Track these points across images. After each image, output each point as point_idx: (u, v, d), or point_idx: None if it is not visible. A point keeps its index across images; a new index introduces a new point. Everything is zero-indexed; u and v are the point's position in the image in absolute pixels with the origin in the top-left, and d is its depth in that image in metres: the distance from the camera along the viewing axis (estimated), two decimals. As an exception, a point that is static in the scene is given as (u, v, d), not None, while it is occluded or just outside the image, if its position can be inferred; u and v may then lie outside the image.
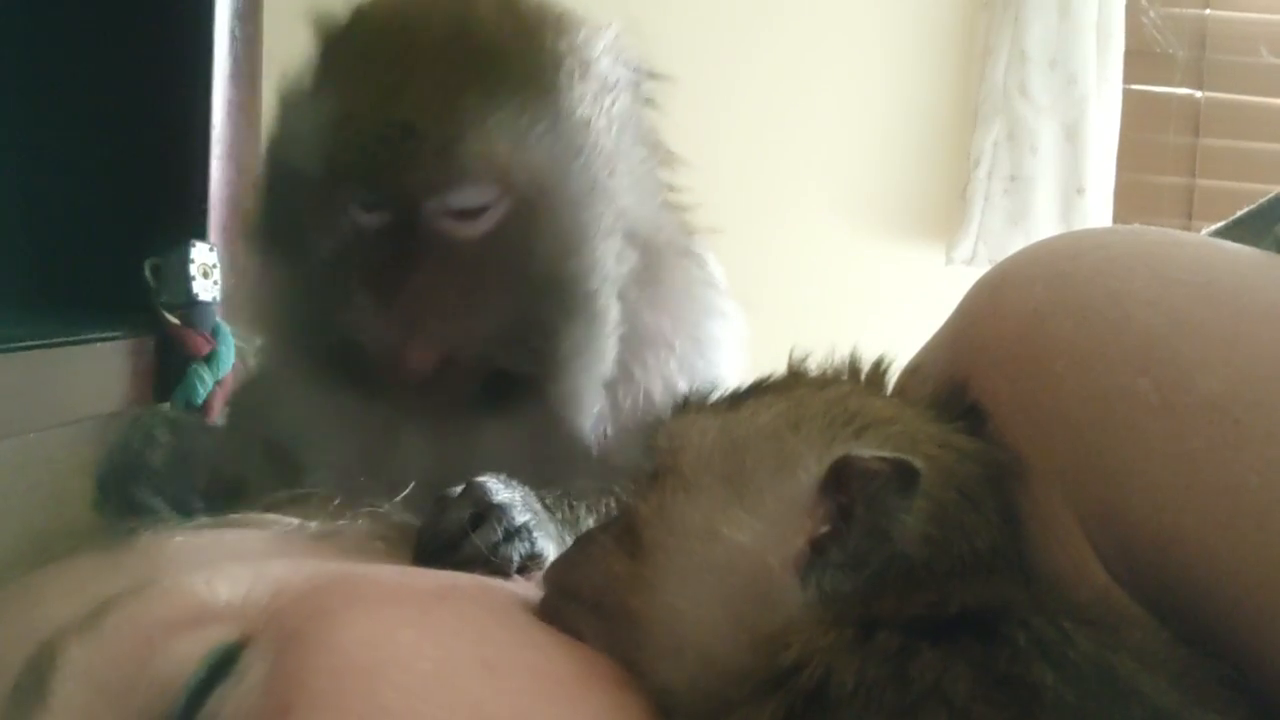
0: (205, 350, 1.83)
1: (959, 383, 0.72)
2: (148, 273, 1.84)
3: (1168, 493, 0.62)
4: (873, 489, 0.63)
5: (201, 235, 1.87)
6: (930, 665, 0.56)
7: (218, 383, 1.82)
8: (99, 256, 1.81)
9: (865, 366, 0.75)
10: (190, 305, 1.84)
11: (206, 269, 1.84)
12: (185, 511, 0.83)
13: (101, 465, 0.87)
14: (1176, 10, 2.84)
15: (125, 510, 0.84)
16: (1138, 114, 2.82)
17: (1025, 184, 2.76)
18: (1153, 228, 0.76)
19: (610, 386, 0.98)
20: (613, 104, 0.97)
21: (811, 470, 0.65)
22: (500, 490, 0.82)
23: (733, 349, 1.08)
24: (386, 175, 0.89)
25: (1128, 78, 2.77)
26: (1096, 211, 2.72)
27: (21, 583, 0.77)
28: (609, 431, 0.99)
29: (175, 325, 1.84)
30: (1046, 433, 0.67)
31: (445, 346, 0.91)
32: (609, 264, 0.95)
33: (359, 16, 0.96)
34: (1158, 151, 2.87)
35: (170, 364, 1.82)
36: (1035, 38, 2.73)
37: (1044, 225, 2.71)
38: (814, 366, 0.75)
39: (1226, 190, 2.80)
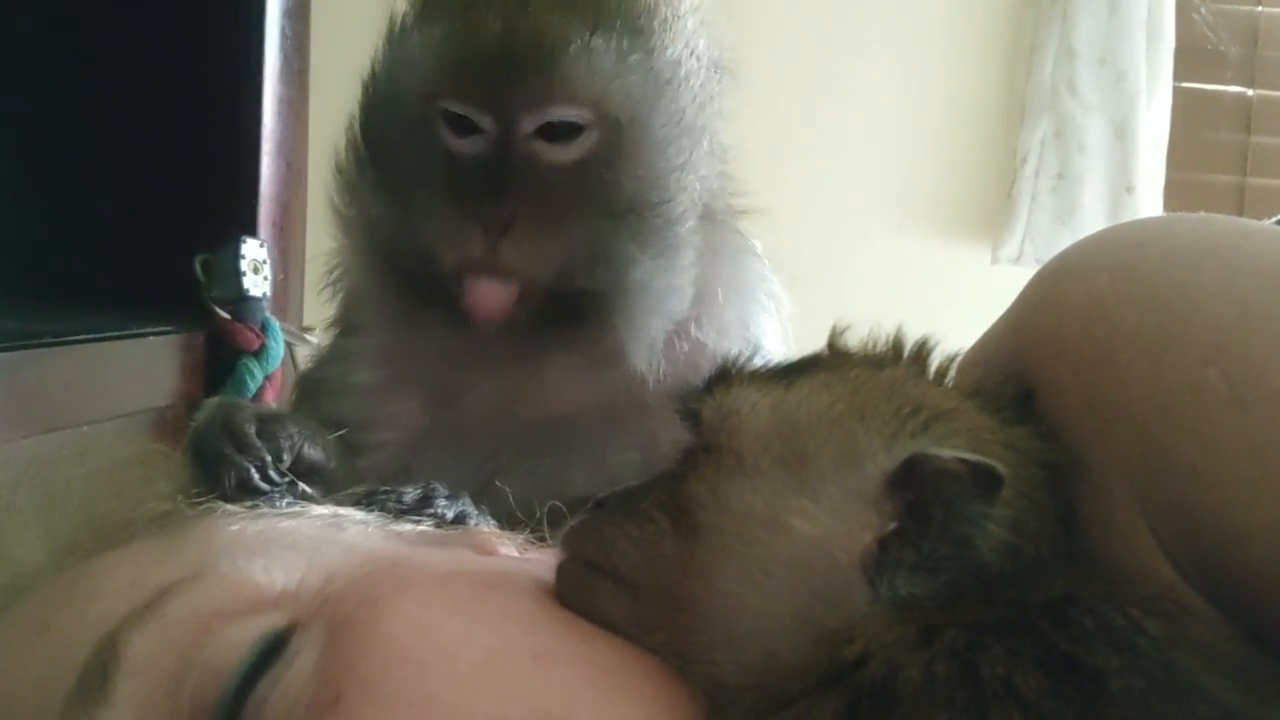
0: (255, 345, 1.84)
1: (1018, 373, 0.71)
2: (198, 268, 1.86)
3: (1237, 487, 0.61)
4: (951, 492, 0.61)
5: (252, 231, 1.89)
6: (1000, 660, 0.55)
7: (267, 377, 1.83)
8: (151, 252, 1.83)
9: (910, 347, 0.73)
10: (240, 300, 1.85)
11: (257, 264, 1.85)
12: (271, 482, 0.86)
13: (194, 434, 0.90)
14: (1228, 7, 2.81)
15: (216, 475, 0.86)
16: (1188, 111, 2.79)
17: (1073, 182, 2.74)
18: (1219, 216, 0.74)
19: (669, 330, 1.02)
20: (697, 57, 1.02)
21: (880, 463, 0.63)
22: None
23: (776, 321, 1.12)
24: (492, 86, 0.93)
25: (1178, 75, 2.74)
26: (1146, 210, 2.69)
27: (80, 570, 0.78)
28: (664, 373, 1.02)
29: (225, 320, 1.85)
30: (1111, 426, 0.66)
31: (524, 268, 0.95)
32: (689, 196, 1.00)
33: None
34: (1208, 149, 2.84)
35: (220, 358, 1.83)
36: (1084, 35, 2.70)
37: (1092, 224, 2.68)
38: (856, 343, 0.74)
39: (1278, 189, 2.76)
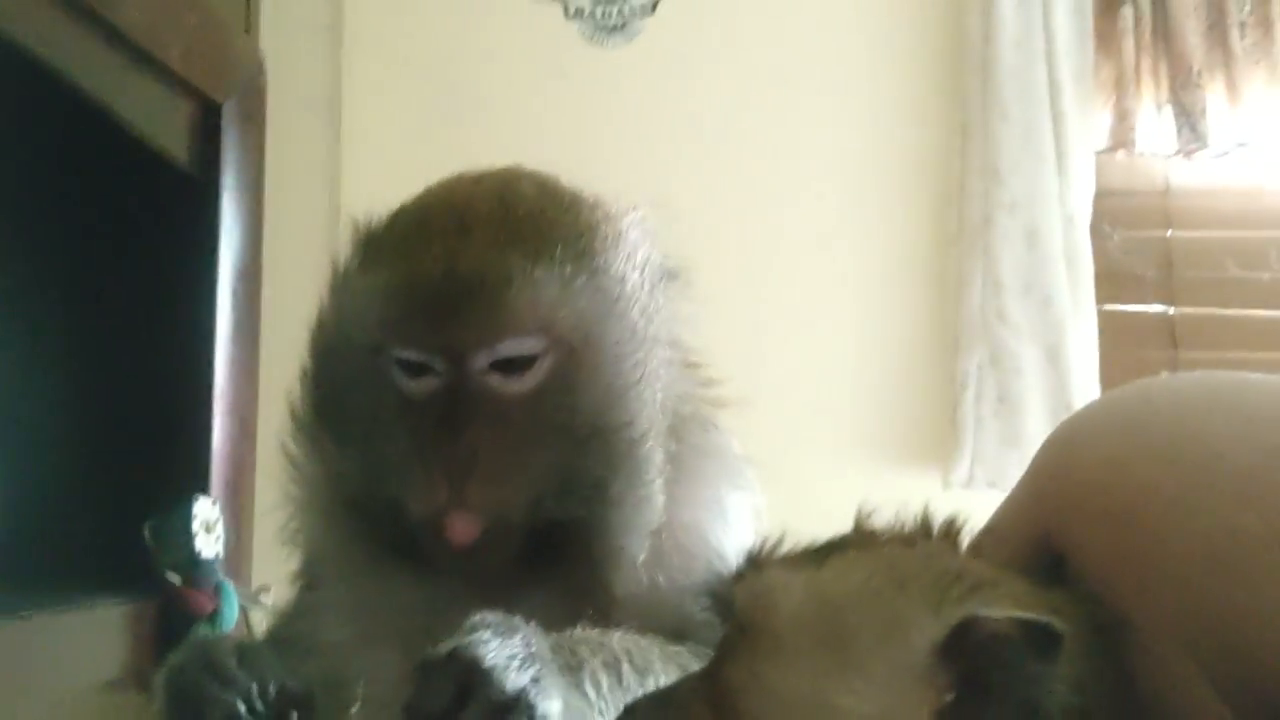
0: (208, 609, 1.77)
1: (1043, 542, 0.70)
2: (147, 535, 1.80)
3: None
4: (1007, 654, 0.59)
5: (204, 489, 1.85)
6: None
7: (221, 642, 1.76)
8: (102, 517, 1.78)
9: (939, 524, 0.72)
10: (192, 564, 1.79)
11: (209, 524, 1.80)
12: (257, 715, 0.81)
13: (170, 672, 0.85)
14: (1139, 233, 2.94)
15: (199, 713, 0.82)
16: (1115, 332, 2.86)
17: (1013, 406, 2.78)
18: (1216, 371, 0.75)
19: (653, 537, 0.98)
20: (643, 269, 1.01)
21: (928, 632, 0.61)
22: (492, 647, 0.76)
23: (751, 516, 1.07)
24: (441, 329, 0.92)
25: (1100, 298, 2.83)
26: (1088, 429, 2.73)
27: None
28: (648, 581, 0.98)
29: (177, 587, 1.79)
30: (1151, 580, 0.65)
31: (493, 506, 0.92)
32: (651, 410, 0.97)
33: (403, 206, 1.01)
34: (1139, 367, 2.91)
35: (174, 625, 1.76)
36: (1007, 267, 2.80)
37: (1038, 444, 2.70)
38: (882, 524, 0.73)
39: (1211, 401, 2.82)
